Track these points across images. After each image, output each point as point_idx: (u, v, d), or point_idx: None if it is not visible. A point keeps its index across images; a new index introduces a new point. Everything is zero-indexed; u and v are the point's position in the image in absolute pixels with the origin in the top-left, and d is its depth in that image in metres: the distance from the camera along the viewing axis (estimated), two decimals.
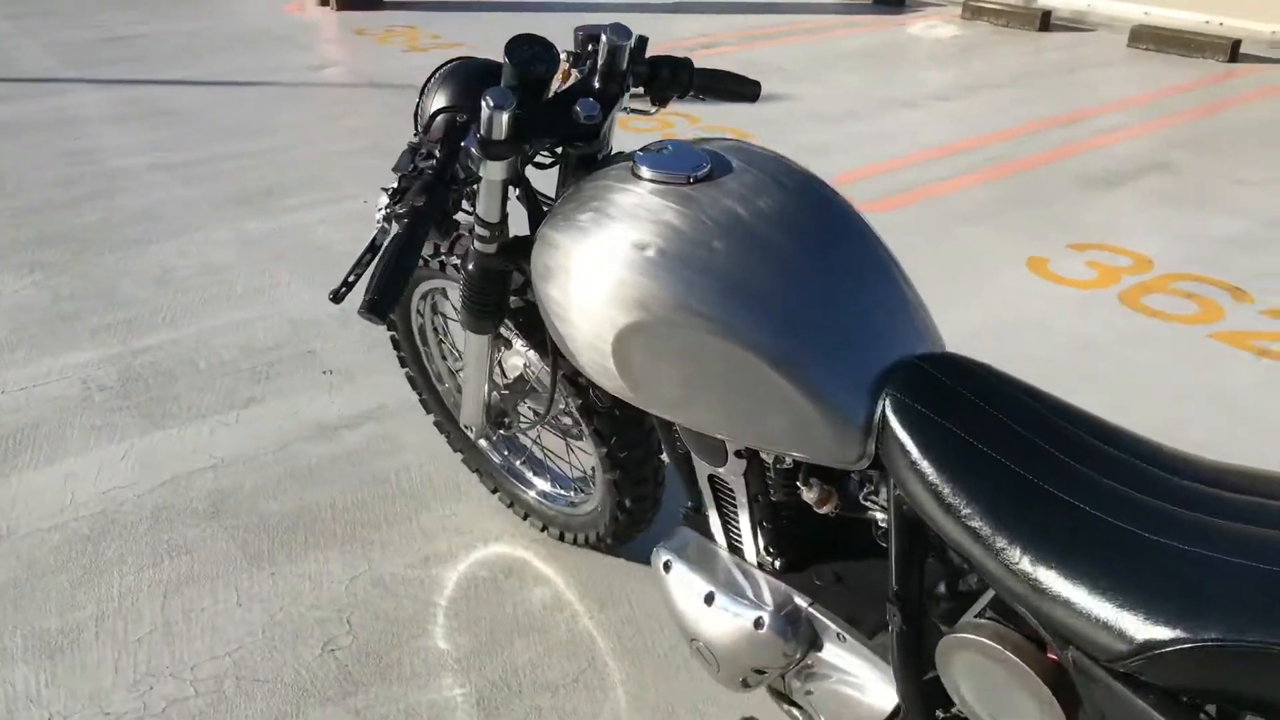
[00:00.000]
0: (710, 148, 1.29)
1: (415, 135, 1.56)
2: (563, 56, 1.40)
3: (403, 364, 2.10)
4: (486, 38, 6.48)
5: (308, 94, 5.24)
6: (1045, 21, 6.95)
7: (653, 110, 1.54)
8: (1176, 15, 7.20)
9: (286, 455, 2.33)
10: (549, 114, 1.33)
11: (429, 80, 1.53)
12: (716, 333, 1.10)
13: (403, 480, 2.25)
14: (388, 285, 1.20)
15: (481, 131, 1.27)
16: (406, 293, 1.98)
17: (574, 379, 1.65)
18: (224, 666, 1.76)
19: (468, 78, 1.48)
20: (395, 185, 1.36)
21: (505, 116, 1.25)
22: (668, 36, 6.66)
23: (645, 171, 1.23)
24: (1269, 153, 4.49)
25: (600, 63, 1.37)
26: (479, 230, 1.42)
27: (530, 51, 1.31)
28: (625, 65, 1.38)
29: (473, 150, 1.30)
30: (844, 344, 1.09)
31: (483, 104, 1.24)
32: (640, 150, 1.28)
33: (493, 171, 1.32)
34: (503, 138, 1.27)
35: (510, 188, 1.41)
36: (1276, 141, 4.65)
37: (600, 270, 1.18)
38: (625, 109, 1.54)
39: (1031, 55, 6.30)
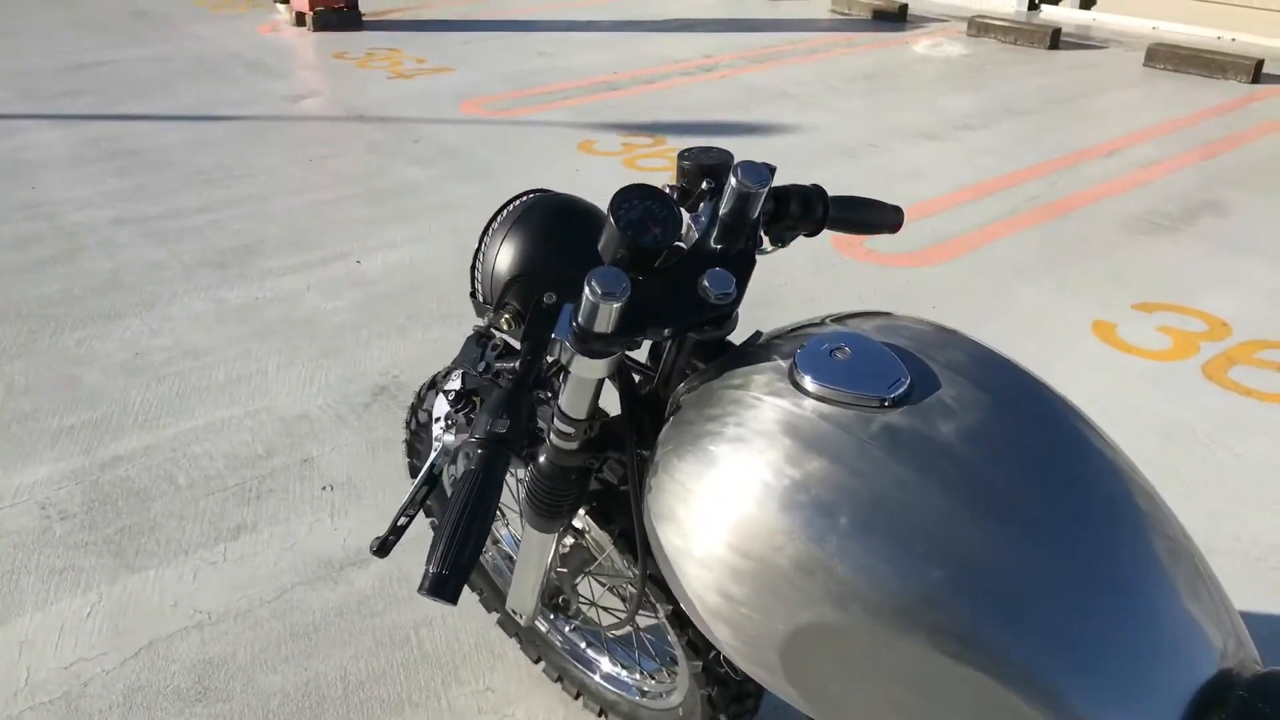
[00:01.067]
0: (887, 335, 0.95)
1: (472, 291, 1.21)
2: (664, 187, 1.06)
3: (428, 514, 1.76)
4: (475, 61, 6.12)
5: (286, 130, 4.86)
6: (1055, 39, 6.68)
7: (770, 249, 1.21)
8: (1186, 31, 6.96)
9: (286, 606, 1.98)
10: (667, 292, 0.99)
11: (492, 223, 1.18)
12: (952, 647, 0.77)
13: (425, 640, 1.90)
14: (459, 553, 0.86)
15: (580, 320, 0.93)
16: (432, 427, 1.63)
17: (661, 580, 1.31)
18: None
19: (546, 224, 1.14)
20: (459, 385, 1.02)
21: (616, 308, 0.91)
22: (663, 59, 6.33)
23: (813, 384, 0.89)
24: None
25: (724, 211, 1.03)
26: (559, 425, 1.08)
27: (642, 209, 0.97)
28: (757, 214, 1.04)
29: (566, 342, 0.96)
30: (1138, 663, 0.76)
31: (586, 289, 0.90)
32: (799, 343, 0.95)
33: (589, 370, 0.98)
34: (609, 331, 0.93)
35: None
36: None
37: (759, 538, 0.84)
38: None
39: (1048, 77, 6.02)
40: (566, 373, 1.02)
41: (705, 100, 5.45)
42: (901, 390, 0.87)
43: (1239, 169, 4.46)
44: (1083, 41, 6.93)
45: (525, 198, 1.19)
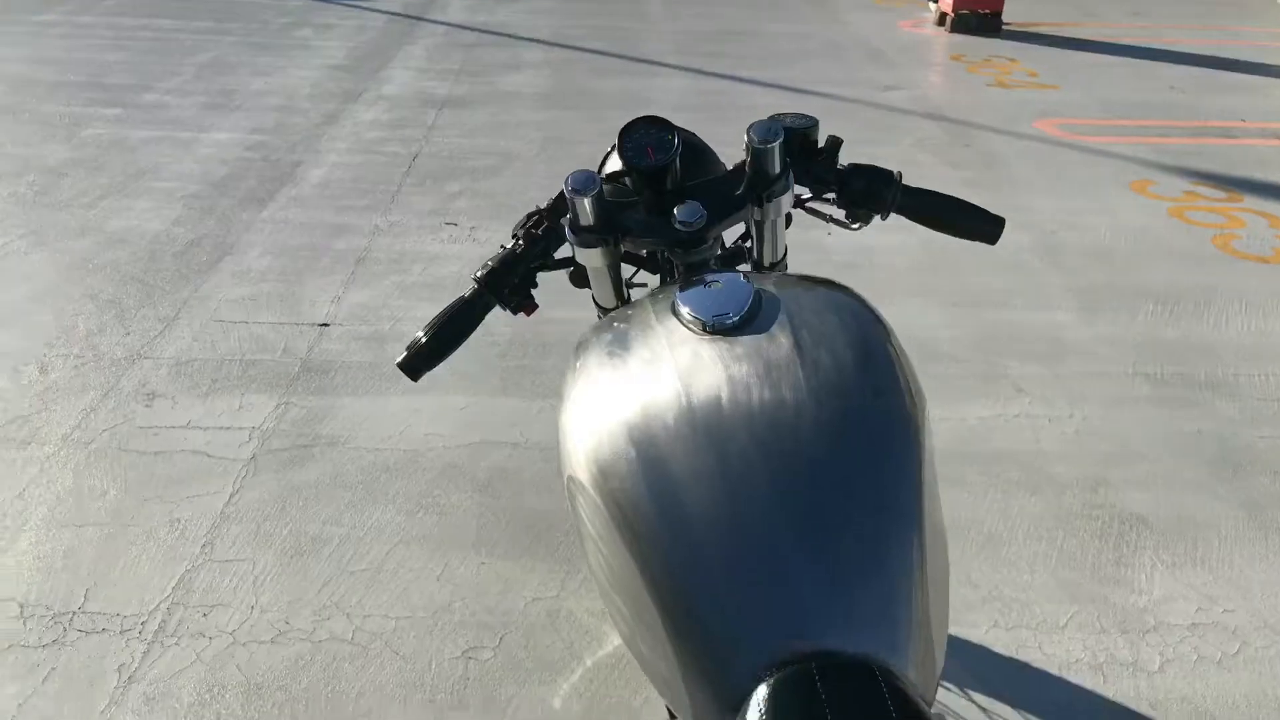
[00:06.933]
0: (781, 287, 1.00)
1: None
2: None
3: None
4: (1088, 83, 5.82)
5: (852, 113, 5.21)
6: None
7: (854, 227, 1.26)
8: None
9: None
10: (649, 213, 1.15)
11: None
12: (626, 545, 0.86)
13: None
14: (423, 346, 1.17)
15: (571, 213, 1.15)
16: None
17: None
18: None
19: (648, 138, 1.32)
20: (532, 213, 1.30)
21: (586, 202, 1.11)
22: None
23: (681, 306, 1.00)
24: None
25: (747, 164, 1.15)
26: (600, 316, 1.29)
27: (645, 138, 1.14)
28: (775, 170, 1.13)
29: (568, 232, 1.18)
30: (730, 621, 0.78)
31: (564, 186, 1.11)
32: (700, 275, 1.04)
33: (587, 258, 1.18)
34: (589, 223, 1.13)
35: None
36: None
37: (588, 418, 0.97)
38: (827, 219, 1.29)
39: None
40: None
41: None
42: (728, 321, 0.94)
43: None
44: None
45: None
